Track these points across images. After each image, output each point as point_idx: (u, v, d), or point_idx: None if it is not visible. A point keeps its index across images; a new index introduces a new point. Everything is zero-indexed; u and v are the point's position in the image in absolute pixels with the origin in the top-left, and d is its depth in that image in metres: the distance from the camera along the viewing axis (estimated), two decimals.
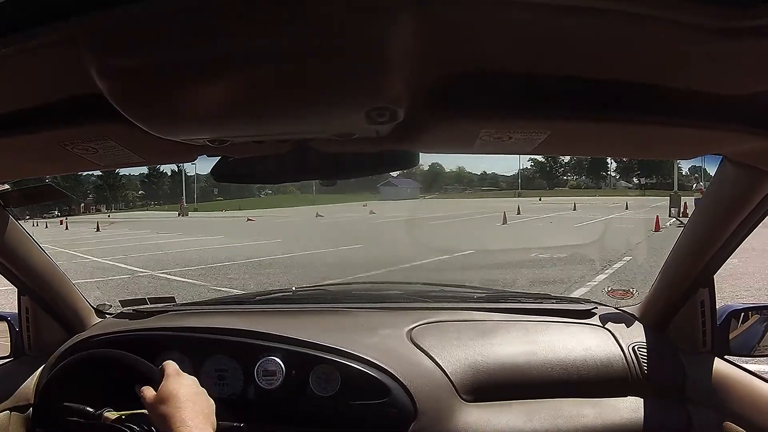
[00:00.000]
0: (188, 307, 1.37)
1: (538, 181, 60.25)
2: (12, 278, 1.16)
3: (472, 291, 1.62)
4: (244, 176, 0.72)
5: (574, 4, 0.37)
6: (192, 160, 0.70)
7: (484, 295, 1.49)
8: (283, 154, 0.66)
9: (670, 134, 0.60)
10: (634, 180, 62.02)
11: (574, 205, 21.80)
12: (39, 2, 0.36)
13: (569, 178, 63.77)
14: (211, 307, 1.39)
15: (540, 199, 35.41)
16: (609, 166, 61.72)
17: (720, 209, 0.94)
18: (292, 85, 0.44)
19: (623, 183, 61.35)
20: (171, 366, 0.79)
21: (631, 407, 1.08)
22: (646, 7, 0.36)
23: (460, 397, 1.07)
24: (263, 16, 0.37)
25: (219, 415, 0.80)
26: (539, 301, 1.39)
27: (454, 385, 1.07)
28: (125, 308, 1.36)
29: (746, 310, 1.13)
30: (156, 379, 0.77)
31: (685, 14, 0.36)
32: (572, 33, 0.42)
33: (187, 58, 0.40)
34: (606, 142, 0.67)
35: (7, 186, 1.09)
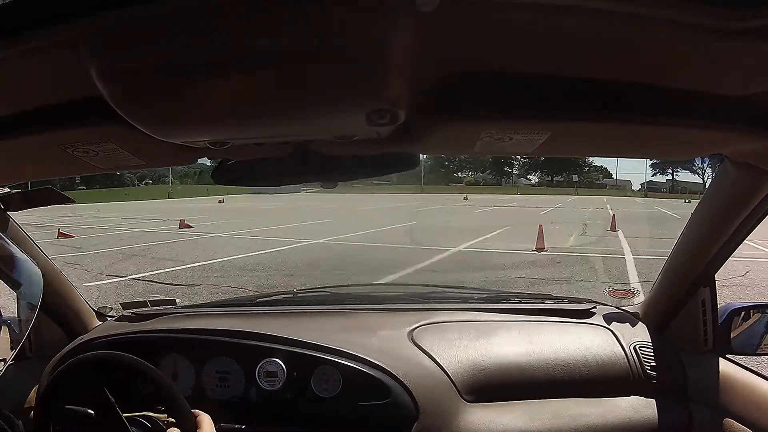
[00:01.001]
0: (189, 310, 1.37)
1: (430, 176, 53.40)
2: None
3: (473, 292, 1.62)
4: (244, 179, 0.72)
5: (574, 5, 0.37)
6: (193, 162, 0.70)
7: (484, 295, 1.49)
8: (283, 156, 0.66)
9: (671, 134, 0.60)
10: (532, 178, 61.46)
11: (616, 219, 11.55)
12: (39, 4, 0.36)
13: (465, 174, 61.08)
14: (212, 309, 1.39)
15: (466, 198, 28.72)
16: (513, 163, 59.60)
17: (721, 209, 0.94)
18: (293, 87, 0.44)
19: (524, 180, 61.10)
20: (207, 420, 0.81)
21: (632, 406, 1.08)
22: (646, 7, 0.36)
23: (462, 397, 1.07)
24: (263, 16, 0.37)
25: (221, 416, 0.80)
26: (540, 301, 1.39)
27: (455, 386, 1.07)
28: (126, 311, 1.36)
29: (747, 308, 1.12)
30: (187, 418, 0.79)
31: (685, 14, 0.36)
32: (572, 33, 0.42)
33: (187, 59, 0.40)
34: (606, 142, 0.67)
35: (7, 189, 1.09)
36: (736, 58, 0.44)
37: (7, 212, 1.07)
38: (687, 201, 29.33)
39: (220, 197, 26.62)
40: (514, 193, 39.77)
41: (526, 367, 1.11)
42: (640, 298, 1.33)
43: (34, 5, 0.36)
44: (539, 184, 58.90)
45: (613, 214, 12.56)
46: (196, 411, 0.82)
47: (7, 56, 0.40)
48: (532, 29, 0.42)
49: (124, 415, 0.81)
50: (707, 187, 1.00)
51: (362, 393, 1.05)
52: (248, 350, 1.11)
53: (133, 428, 0.80)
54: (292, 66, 0.41)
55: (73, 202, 1.14)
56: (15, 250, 0.77)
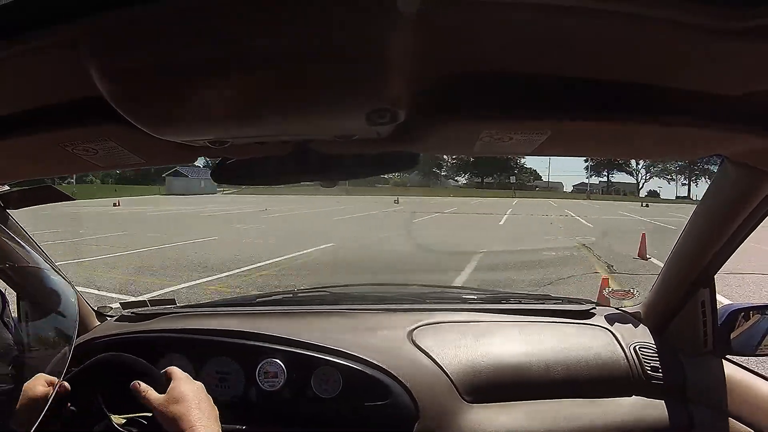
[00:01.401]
0: (189, 309, 1.36)
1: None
2: None
3: (473, 292, 1.62)
4: (244, 178, 0.72)
5: (574, 5, 0.37)
6: (193, 161, 0.70)
7: (484, 296, 1.49)
8: (283, 155, 0.66)
9: (671, 134, 0.60)
10: (461, 180, 61.17)
11: None
12: (39, 4, 0.36)
13: (392, 175, 60.50)
14: (212, 309, 1.39)
15: (397, 201, 25.28)
16: (441, 164, 59.22)
17: (720, 209, 0.94)
18: (293, 86, 0.44)
19: (452, 182, 61.09)
20: (177, 370, 0.80)
21: (632, 407, 1.08)
22: (646, 7, 0.36)
23: (462, 397, 1.07)
24: (263, 16, 0.37)
25: (220, 417, 0.80)
26: (540, 301, 1.39)
27: (455, 386, 1.07)
28: (126, 311, 1.36)
29: (747, 309, 1.13)
30: (161, 382, 0.78)
31: (685, 14, 0.37)
32: (572, 33, 0.42)
33: (187, 59, 0.40)
34: (606, 142, 0.67)
35: (7, 187, 1.09)
36: (736, 58, 0.44)
37: (7, 210, 1.08)
38: (645, 205, 28.52)
39: (116, 200, 23.89)
40: (447, 196, 35.00)
41: (525, 367, 1.11)
42: (640, 299, 1.33)
43: (34, 5, 0.36)
44: (468, 186, 58.91)
45: (643, 233, 8.23)
46: (168, 369, 0.81)
47: (7, 56, 0.40)
48: (532, 29, 0.42)
49: (124, 416, 0.81)
50: (707, 188, 0.99)
51: (362, 393, 1.05)
52: (248, 350, 1.11)
53: (133, 428, 0.80)
54: (292, 66, 0.41)
55: (73, 199, 1.14)
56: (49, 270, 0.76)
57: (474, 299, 1.43)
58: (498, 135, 0.59)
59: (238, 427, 1.03)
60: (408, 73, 0.44)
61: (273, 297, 1.49)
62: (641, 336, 1.18)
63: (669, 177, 58.34)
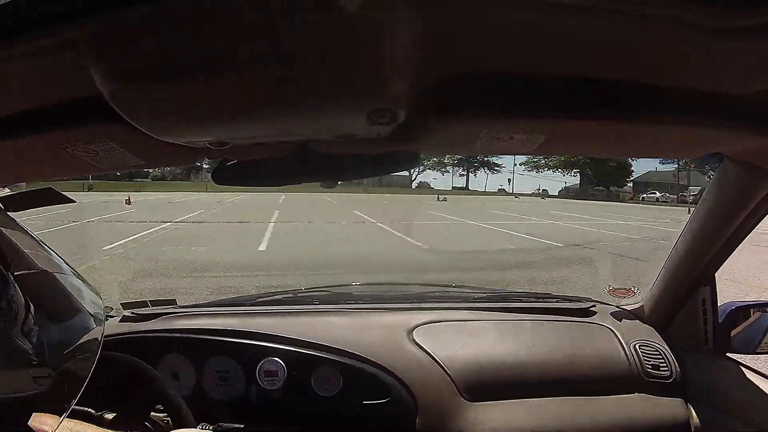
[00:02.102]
0: (190, 309, 1.36)
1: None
2: None
3: (473, 291, 1.62)
4: (245, 179, 0.72)
5: (574, 4, 0.37)
6: (193, 162, 0.70)
7: (485, 295, 1.49)
8: (283, 156, 0.66)
9: (670, 134, 0.60)
10: None
11: None
12: (39, 4, 0.36)
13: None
14: (213, 308, 1.39)
15: (128, 201, 16.44)
16: None
17: (721, 208, 0.94)
18: (293, 87, 0.44)
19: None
20: None
21: (632, 405, 1.08)
22: (646, 7, 0.36)
23: (462, 396, 1.07)
24: (264, 17, 0.37)
25: (220, 416, 0.80)
26: (540, 300, 1.39)
27: (455, 384, 1.07)
28: (126, 311, 1.36)
29: (748, 307, 1.13)
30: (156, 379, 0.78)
31: (685, 14, 0.37)
32: (572, 33, 0.42)
33: (187, 59, 0.40)
34: (606, 141, 0.67)
35: (8, 190, 1.09)
36: (736, 57, 0.44)
37: (8, 213, 1.07)
38: (443, 199, 27.39)
39: None
40: (202, 190, 27.52)
41: (526, 365, 1.11)
42: (641, 298, 1.33)
43: (34, 5, 0.36)
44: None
45: None
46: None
47: (7, 56, 0.40)
48: (532, 29, 0.42)
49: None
50: (708, 187, 1.00)
51: (362, 392, 1.05)
52: (248, 349, 1.12)
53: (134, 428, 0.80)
54: (292, 66, 0.41)
55: (74, 202, 1.14)
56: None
57: (474, 298, 1.43)
58: (498, 135, 0.59)
59: (237, 425, 1.03)
60: (408, 73, 0.44)
61: (273, 296, 1.49)
62: (642, 334, 1.18)
63: (444, 170, 59.33)
